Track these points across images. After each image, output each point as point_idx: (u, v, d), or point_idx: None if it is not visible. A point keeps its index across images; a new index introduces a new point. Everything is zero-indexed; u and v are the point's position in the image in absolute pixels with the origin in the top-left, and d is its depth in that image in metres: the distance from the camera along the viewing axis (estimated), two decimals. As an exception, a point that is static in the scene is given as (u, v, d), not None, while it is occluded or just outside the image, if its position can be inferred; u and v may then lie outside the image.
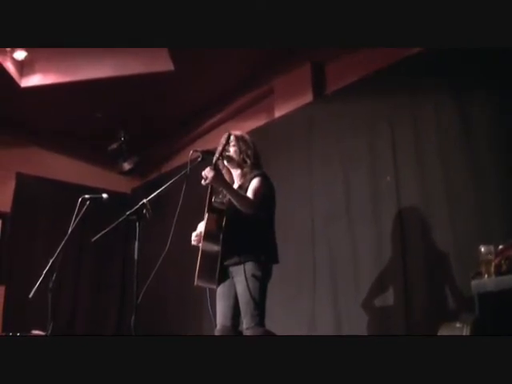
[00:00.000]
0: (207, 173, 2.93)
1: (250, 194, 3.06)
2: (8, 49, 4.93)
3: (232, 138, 3.24)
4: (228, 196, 3.01)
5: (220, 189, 3.05)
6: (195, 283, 3.02)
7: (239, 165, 3.24)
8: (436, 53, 3.68)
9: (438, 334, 2.71)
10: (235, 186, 3.23)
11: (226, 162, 3.23)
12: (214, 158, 3.03)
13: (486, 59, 3.42)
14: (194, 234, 3.25)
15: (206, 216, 3.05)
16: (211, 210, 3.06)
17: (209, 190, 3.03)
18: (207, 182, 2.94)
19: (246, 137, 3.34)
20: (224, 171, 3.29)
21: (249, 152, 3.24)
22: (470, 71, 3.63)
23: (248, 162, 3.22)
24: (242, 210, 2.98)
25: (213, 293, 3.14)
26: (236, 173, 3.29)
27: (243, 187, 3.15)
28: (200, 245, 3.05)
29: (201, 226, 3.22)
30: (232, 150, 3.23)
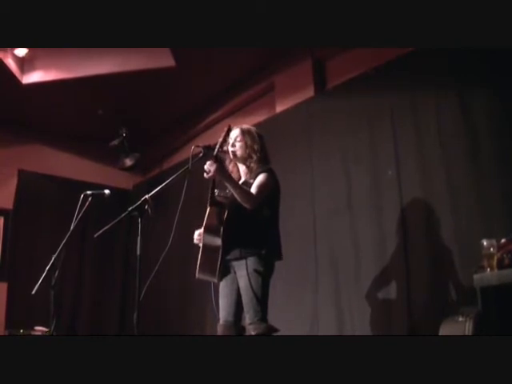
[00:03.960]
0: (209, 166, 2.92)
1: (253, 189, 3.05)
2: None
3: (238, 131, 3.23)
4: (230, 190, 3.00)
5: (223, 182, 3.03)
6: (196, 276, 3.02)
7: (245, 160, 3.21)
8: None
9: (441, 328, 2.72)
10: (241, 181, 3.22)
11: (231, 156, 3.22)
12: (215, 150, 3.01)
13: (488, 55, 3.41)
14: (196, 233, 3.23)
15: (208, 209, 3.05)
16: (213, 203, 3.05)
17: (211, 184, 3.02)
18: (210, 175, 2.93)
19: (253, 130, 3.30)
20: (231, 166, 3.28)
21: (255, 147, 3.20)
22: (471, 66, 3.62)
23: (254, 157, 3.19)
24: (243, 204, 2.97)
25: (217, 286, 3.15)
26: (242, 168, 3.27)
27: (248, 183, 3.14)
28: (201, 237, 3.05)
29: None
30: (238, 145, 3.20)
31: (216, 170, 2.90)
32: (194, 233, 3.25)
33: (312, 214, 4.47)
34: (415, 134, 3.87)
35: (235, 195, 2.96)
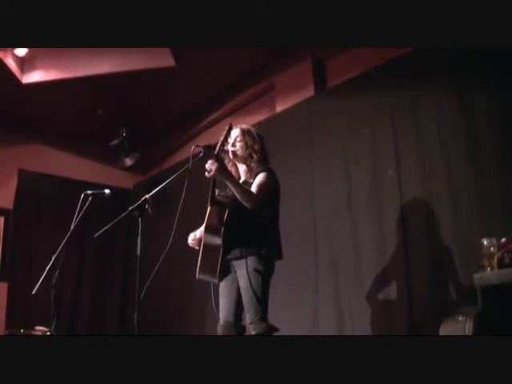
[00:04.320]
0: (211, 165, 2.91)
1: (253, 188, 3.05)
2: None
3: (238, 131, 3.23)
4: (231, 189, 3.00)
5: (224, 181, 3.03)
6: (197, 277, 3.02)
7: (246, 160, 3.21)
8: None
9: (441, 327, 2.72)
10: (241, 180, 3.22)
11: (231, 156, 3.21)
12: (216, 149, 3.00)
13: (488, 55, 3.41)
14: (190, 237, 3.24)
15: (209, 209, 3.05)
16: (214, 202, 3.05)
17: (211, 183, 3.02)
18: (211, 174, 2.92)
19: (253, 130, 3.30)
20: (230, 165, 3.28)
21: (255, 147, 3.20)
22: (471, 66, 3.62)
23: (255, 157, 3.19)
24: (243, 204, 2.97)
25: (217, 287, 3.15)
26: (242, 168, 3.27)
27: (248, 182, 3.13)
28: (201, 238, 3.04)
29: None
30: (238, 145, 3.20)
31: (217, 169, 2.90)
32: (194, 233, 3.25)
33: (312, 214, 4.47)
34: (415, 134, 3.87)
35: (236, 194, 2.96)
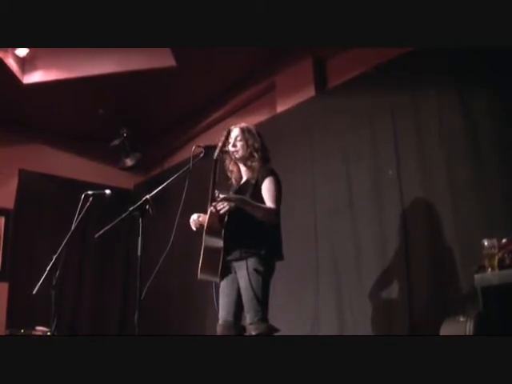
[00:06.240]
0: (222, 205, 2.94)
1: (267, 199, 3.04)
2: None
3: (238, 130, 3.21)
4: (236, 195, 2.99)
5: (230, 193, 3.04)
6: (198, 277, 3.02)
7: (247, 159, 3.20)
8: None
9: (442, 327, 2.72)
10: (243, 180, 3.23)
11: (232, 157, 3.21)
12: (215, 155, 3.01)
13: (488, 55, 3.42)
14: (193, 217, 3.21)
15: (209, 210, 3.04)
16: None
17: (211, 183, 3.01)
18: (227, 209, 2.95)
19: (252, 128, 3.28)
20: (231, 166, 3.28)
21: (256, 145, 3.19)
22: (471, 66, 3.62)
23: (256, 156, 3.18)
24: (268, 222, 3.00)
25: (219, 286, 3.15)
26: (244, 168, 3.26)
27: (250, 182, 3.14)
28: (202, 238, 3.04)
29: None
30: (239, 145, 3.18)
31: (229, 207, 2.94)
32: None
33: (313, 214, 4.47)
34: (416, 134, 3.88)
35: (258, 217, 2.98)
